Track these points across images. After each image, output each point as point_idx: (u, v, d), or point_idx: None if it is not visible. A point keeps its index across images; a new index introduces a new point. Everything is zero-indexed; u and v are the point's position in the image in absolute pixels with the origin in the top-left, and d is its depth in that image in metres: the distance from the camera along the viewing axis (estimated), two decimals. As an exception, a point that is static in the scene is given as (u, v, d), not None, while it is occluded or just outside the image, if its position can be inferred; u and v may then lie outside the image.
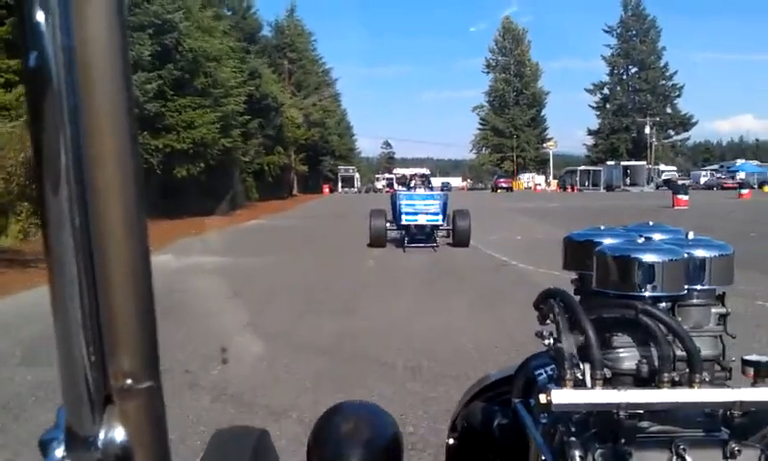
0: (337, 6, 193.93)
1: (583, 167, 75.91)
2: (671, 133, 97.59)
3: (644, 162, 73.47)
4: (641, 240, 1.21)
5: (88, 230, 0.45)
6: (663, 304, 1.16)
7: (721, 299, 1.24)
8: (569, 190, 69.59)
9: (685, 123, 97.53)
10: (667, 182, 74.20)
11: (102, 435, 0.47)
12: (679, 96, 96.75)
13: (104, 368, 0.47)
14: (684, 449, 1.06)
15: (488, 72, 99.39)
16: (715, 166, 77.01)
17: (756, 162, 72.46)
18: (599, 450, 1.07)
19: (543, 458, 1.17)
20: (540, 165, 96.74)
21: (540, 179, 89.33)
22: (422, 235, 16.32)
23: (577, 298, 1.24)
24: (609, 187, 69.68)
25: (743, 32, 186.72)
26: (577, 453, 1.06)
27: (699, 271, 1.20)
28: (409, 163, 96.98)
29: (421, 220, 16.05)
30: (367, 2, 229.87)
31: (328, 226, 23.72)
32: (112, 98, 0.44)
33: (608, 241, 1.23)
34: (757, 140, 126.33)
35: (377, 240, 15.95)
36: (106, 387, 0.47)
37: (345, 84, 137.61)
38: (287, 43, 67.27)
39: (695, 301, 1.20)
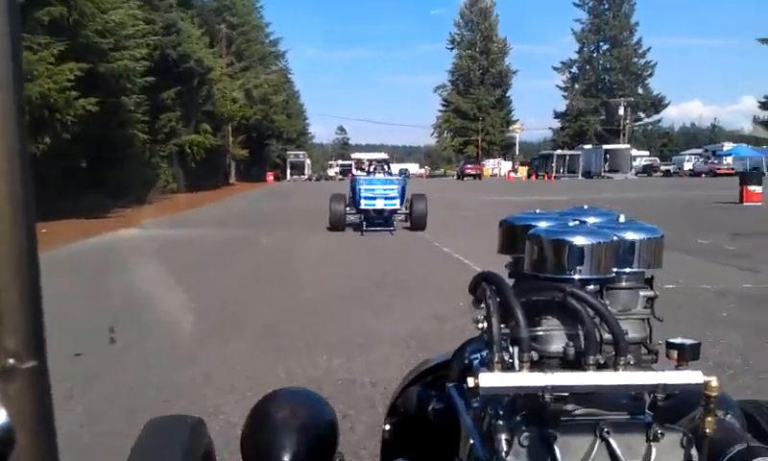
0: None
1: (559, 151, 66.80)
2: (641, 115, 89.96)
3: (627, 145, 64.81)
4: (574, 223, 1.22)
5: None
6: (592, 287, 1.15)
7: (649, 282, 1.23)
8: (546, 178, 60.31)
9: (657, 104, 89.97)
10: (647, 168, 66.13)
11: None
12: (651, 75, 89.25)
13: None
14: (608, 432, 1.05)
15: (452, 48, 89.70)
16: (698, 150, 68.74)
17: (744, 145, 64.27)
18: (525, 433, 1.05)
19: (473, 441, 1.15)
20: (505, 150, 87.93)
21: (507, 165, 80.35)
22: (381, 219, 16.41)
23: (511, 282, 1.23)
24: (587, 174, 60.87)
25: (690, 16, 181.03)
26: (503, 437, 1.04)
27: (628, 254, 1.18)
28: (363, 149, 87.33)
29: (380, 204, 16.23)
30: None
31: (240, 247, 13.70)
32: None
33: (541, 224, 1.22)
34: (713, 125, 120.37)
35: (337, 224, 15.95)
36: None
37: (298, 67, 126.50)
38: (226, 6, 56.41)
39: (623, 284, 1.19)
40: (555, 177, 59.91)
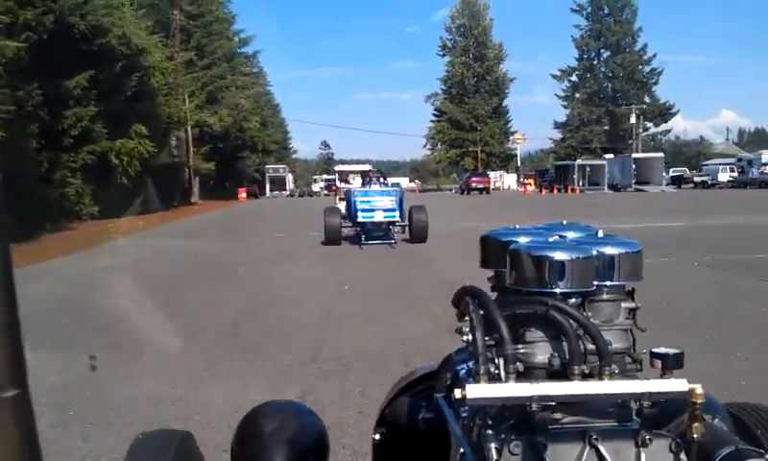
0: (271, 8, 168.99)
1: (580, 161, 55.60)
2: (648, 124, 79.13)
3: (660, 154, 53.65)
4: (554, 239, 1.21)
5: None
6: (574, 300, 1.14)
7: (631, 294, 1.21)
8: (569, 192, 49.01)
9: (665, 113, 79.27)
10: (677, 179, 55.30)
11: None
12: (656, 83, 78.61)
13: None
14: (596, 439, 1.03)
15: (443, 54, 78.36)
16: (730, 160, 57.87)
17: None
18: (514, 442, 1.02)
19: (462, 451, 1.12)
20: (504, 162, 76.87)
21: (510, 177, 69.19)
22: (380, 232, 15.02)
23: (494, 295, 1.22)
24: (614, 187, 49.76)
25: (670, 31, 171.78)
26: (493, 446, 1.02)
27: (608, 268, 1.16)
28: (348, 164, 75.90)
29: (378, 217, 14.86)
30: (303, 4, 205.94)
31: None
32: None
33: (522, 240, 1.20)
34: (702, 137, 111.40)
35: (332, 238, 14.30)
36: None
37: (277, 84, 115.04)
38: (184, -7, 44.68)
39: (605, 296, 1.17)
40: (580, 190, 48.67)
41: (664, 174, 54.22)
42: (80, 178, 24.21)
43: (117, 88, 25.70)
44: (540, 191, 53.21)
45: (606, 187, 49.98)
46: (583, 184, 51.49)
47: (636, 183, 48.82)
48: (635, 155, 52.55)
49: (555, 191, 50.55)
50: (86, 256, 13.76)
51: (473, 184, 51.53)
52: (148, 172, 28.54)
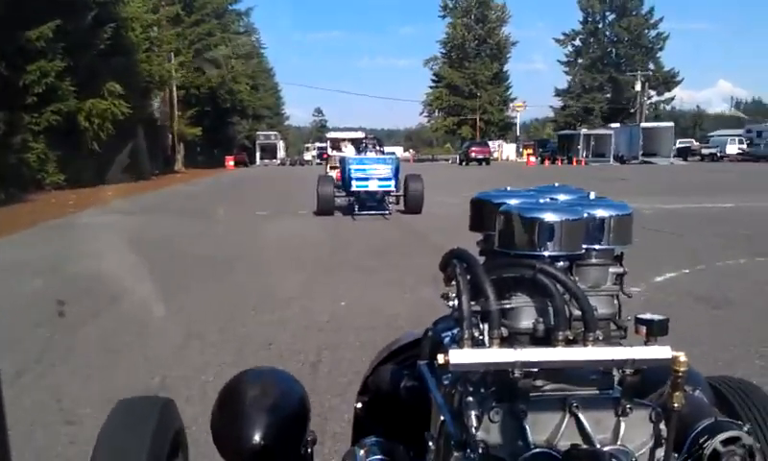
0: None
1: (585, 131, 53.00)
2: (651, 92, 76.21)
3: (670, 124, 51.07)
4: (544, 201, 1.18)
5: None
6: (561, 264, 1.10)
7: (619, 259, 1.18)
8: (575, 163, 46.53)
9: (669, 81, 76.40)
10: (682, 152, 52.86)
11: None
12: (661, 49, 75.60)
13: None
14: (577, 407, 1.02)
15: (444, 16, 75.11)
16: (739, 131, 55.23)
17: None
18: (495, 409, 1.01)
19: (443, 419, 1.10)
20: (502, 131, 74.12)
21: (509, 147, 66.47)
22: (373, 202, 14.59)
23: (482, 259, 1.18)
24: (620, 158, 47.32)
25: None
26: (473, 413, 1.01)
27: (598, 231, 1.14)
28: (341, 132, 72.59)
29: (373, 186, 14.33)
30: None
31: None
32: None
33: (512, 201, 1.16)
34: (698, 107, 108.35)
35: (325, 208, 13.99)
36: None
37: (273, 49, 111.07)
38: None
39: (593, 260, 1.14)
40: (585, 162, 46.23)
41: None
42: (43, 142, 21.69)
43: (88, 41, 23.06)
44: (543, 162, 50.76)
45: (612, 159, 47.59)
46: (587, 155, 49.06)
47: (642, 155, 46.47)
48: (643, 124, 50.06)
49: (559, 162, 48.12)
50: (24, 238, 11.35)
51: (473, 154, 48.93)
52: (123, 136, 25.99)
